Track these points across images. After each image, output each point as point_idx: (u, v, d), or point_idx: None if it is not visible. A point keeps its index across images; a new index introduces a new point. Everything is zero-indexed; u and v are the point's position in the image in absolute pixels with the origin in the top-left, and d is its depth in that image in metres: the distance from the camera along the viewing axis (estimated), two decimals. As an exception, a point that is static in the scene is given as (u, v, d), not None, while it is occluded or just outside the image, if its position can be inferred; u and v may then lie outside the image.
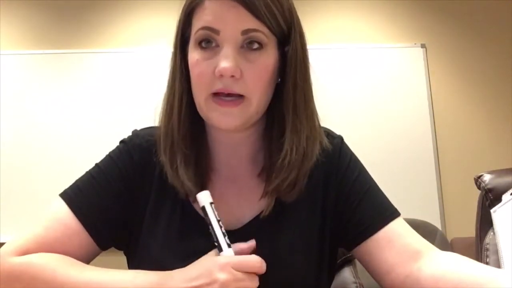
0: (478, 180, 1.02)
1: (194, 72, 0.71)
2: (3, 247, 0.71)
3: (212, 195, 0.69)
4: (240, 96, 0.69)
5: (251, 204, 0.76)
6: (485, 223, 1.00)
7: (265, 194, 0.75)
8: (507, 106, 3.19)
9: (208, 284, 0.62)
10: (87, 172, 0.79)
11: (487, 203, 0.99)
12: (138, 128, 0.83)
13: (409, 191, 2.96)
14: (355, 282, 1.00)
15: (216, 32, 0.68)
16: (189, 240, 0.74)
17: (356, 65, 3.23)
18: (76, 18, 3.31)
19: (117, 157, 0.79)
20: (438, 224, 2.82)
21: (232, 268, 0.62)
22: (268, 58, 0.71)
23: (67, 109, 3.15)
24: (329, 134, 0.82)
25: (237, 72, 0.68)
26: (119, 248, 0.80)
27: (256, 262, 0.64)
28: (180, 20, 0.74)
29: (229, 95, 0.69)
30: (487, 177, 1.01)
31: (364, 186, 0.79)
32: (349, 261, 1.03)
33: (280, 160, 0.72)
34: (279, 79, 0.74)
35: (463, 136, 3.18)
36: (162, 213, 0.76)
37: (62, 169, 2.90)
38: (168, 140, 0.75)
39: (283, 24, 0.71)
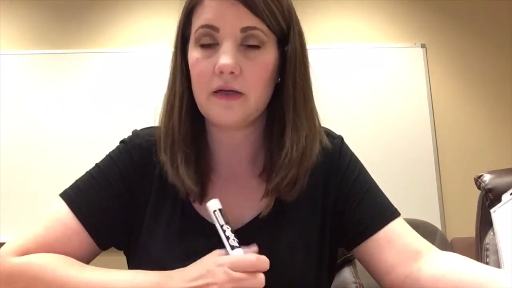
0: (478, 180, 1.02)
1: (194, 71, 0.71)
2: (3, 247, 0.71)
3: (212, 195, 0.69)
4: (239, 94, 0.69)
5: (251, 204, 0.76)
6: (485, 223, 1.00)
7: (266, 194, 0.75)
8: (507, 106, 3.19)
9: (208, 284, 0.62)
10: (87, 172, 0.79)
11: (487, 203, 0.99)
12: (138, 128, 0.83)
13: (409, 191, 2.96)
14: (355, 282, 1.00)
15: (216, 29, 0.69)
16: (189, 240, 0.73)
17: (356, 65, 3.23)
18: (76, 18, 3.31)
19: (117, 157, 0.79)
20: (438, 224, 2.82)
21: (229, 268, 0.62)
22: (268, 56, 0.71)
23: (67, 109, 3.15)
24: (329, 134, 0.82)
25: (236, 68, 0.68)
26: (119, 248, 0.80)
27: (251, 260, 0.63)
28: (180, 20, 0.75)
29: (229, 91, 0.69)
30: (487, 177, 1.01)
31: (364, 186, 0.79)
32: (349, 261, 1.03)
33: (281, 158, 0.72)
34: (279, 79, 0.74)
35: (463, 136, 3.18)
36: (162, 213, 0.76)
37: (62, 169, 2.90)
38: (169, 140, 0.75)
39: (282, 22, 0.71)
